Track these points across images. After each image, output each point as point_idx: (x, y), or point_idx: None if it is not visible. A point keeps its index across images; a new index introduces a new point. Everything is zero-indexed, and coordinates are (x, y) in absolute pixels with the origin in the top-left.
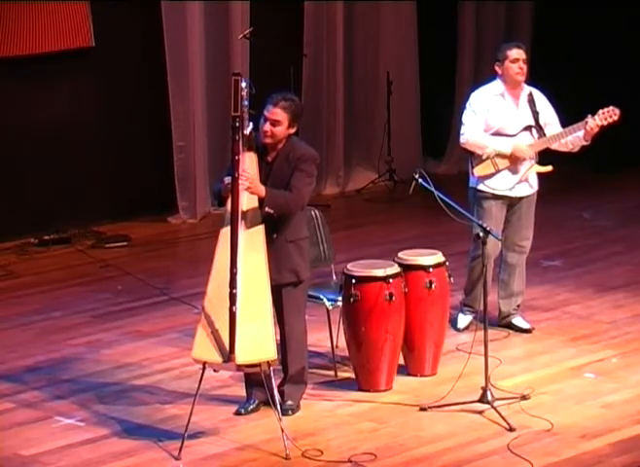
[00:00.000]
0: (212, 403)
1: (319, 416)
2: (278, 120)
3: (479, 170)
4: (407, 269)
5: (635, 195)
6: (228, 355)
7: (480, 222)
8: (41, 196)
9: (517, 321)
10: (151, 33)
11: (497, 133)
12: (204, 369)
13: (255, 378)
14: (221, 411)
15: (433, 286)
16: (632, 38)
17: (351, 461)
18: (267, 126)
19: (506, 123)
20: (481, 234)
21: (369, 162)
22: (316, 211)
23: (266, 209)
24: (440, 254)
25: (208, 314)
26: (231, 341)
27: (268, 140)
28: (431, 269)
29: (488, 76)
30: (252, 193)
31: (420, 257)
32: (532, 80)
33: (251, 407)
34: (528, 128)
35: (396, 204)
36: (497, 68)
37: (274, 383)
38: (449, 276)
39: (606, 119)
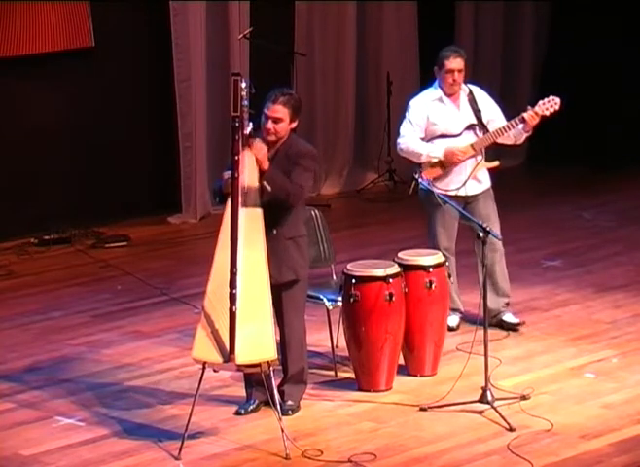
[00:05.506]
0: (212, 403)
1: (319, 416)
2: (280, 117)
3: (428, 173)
4: (406, 269)
5: (635, 195)
6: (228, 355)
7: (480, 222)
8: (41, 196)
9: (507, 317)
10: (151, 33)
11: (442, 136)
12: (204, 369)
13: (255, 378)
14: (221, 411)
15: (433, 286)
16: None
17: (351, 461)
18: (270, 124)
19: (448, 125)
20: (481, 235)
21: (369, 162)
22: (316, 211)
23: (264, 184)
24: (439, 254)
25: (208, 314)
26: (231, 341)
27: (272, 138)
28: (431, 269)
29: (487, 76)
30: (259, 161)
31: (420, 257)
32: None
33: (251, 407)
34: (471, 128)
35: (396, 204)
36: (435, 72)
37: (274, 383)
38: (449, 276)
39: (547, 109)
